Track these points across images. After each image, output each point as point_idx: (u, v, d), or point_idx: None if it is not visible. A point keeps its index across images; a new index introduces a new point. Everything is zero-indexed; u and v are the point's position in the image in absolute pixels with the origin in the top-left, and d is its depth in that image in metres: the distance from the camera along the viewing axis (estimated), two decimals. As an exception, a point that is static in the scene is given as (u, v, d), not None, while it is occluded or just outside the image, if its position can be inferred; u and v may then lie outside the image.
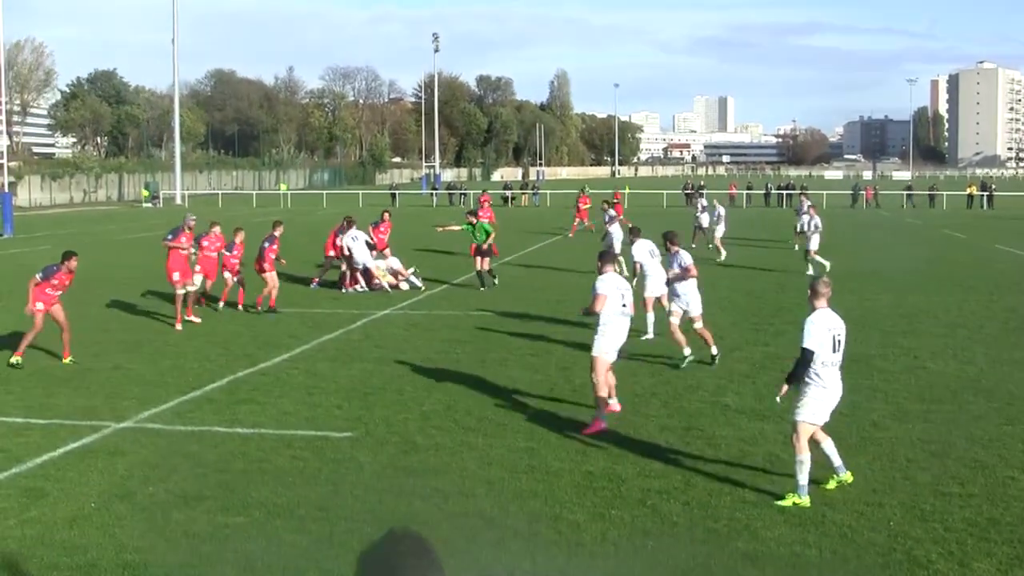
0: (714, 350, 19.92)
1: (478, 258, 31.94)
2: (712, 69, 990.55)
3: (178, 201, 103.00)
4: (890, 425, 15.15)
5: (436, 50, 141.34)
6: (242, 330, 24.24)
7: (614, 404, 15.07)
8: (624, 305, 15.06)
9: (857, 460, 13.33)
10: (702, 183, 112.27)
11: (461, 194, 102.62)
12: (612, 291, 14.94)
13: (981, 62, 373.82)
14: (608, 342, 15.03)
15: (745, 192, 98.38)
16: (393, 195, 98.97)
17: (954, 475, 12.76)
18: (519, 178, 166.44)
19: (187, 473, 13.03)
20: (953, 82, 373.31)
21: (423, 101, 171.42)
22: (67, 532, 10.95)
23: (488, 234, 31.95)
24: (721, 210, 45.43)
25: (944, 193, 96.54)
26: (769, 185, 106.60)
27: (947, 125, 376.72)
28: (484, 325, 24.67)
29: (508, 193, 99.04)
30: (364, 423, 15.49)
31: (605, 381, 14.94)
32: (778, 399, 12.45)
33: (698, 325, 20.13)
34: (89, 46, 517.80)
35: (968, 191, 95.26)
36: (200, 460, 13.58)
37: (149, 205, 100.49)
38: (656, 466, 13.24)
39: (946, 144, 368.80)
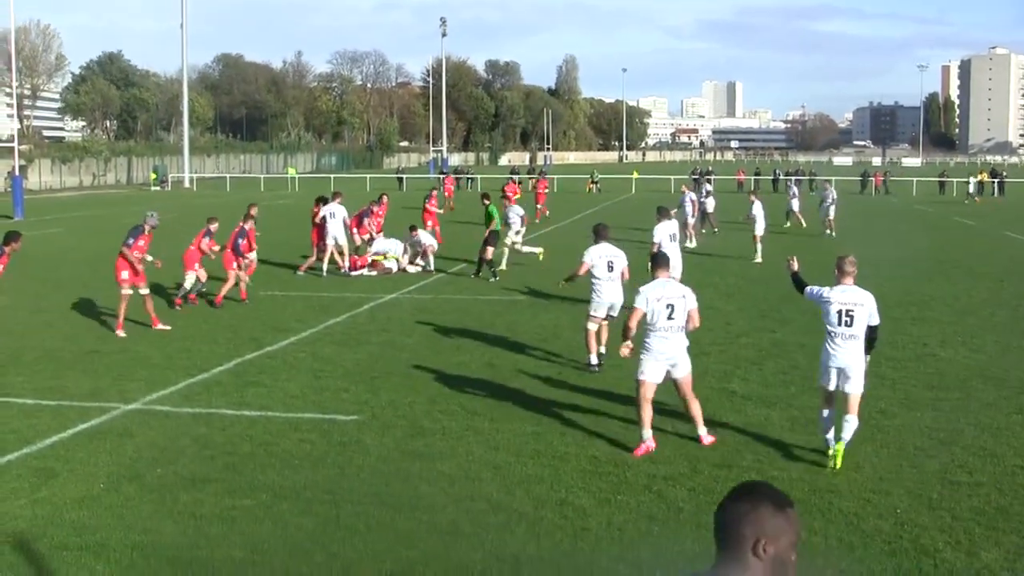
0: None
1: (483, 245, 31.24)
2: (720, 54, 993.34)
3: (186, 184, 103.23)
4: (898, 413, 15.14)
5: (444, 35, 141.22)
6: (249, 313, 24.26)
7: (649, 441, 13.32)
8: (671, 318, 13.33)
9: (864, 448, 13.33)
10: (710, 168, 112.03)
11: (468, 178, 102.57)
12: (649, 301, 13.32)
13: (993, 47, 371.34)
14: (651, 361, 13.37)
15: (753, 178, 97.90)
16: (400, 179, 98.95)
17: (962, 464, 12.74)
18: (526, 162, 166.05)
19: (195, 455, 13.07)
20: (965, 68, 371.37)
21: (431, 85, 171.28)
22: (76, 512, 11.00)
23: (491, 219, 31.39)
24: (692, 196, 44.21)
25: (954, 180, 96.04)
26: (777, 171, 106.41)
27: (958, 111, 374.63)
28: (491, 309, 24.68)
29: (515, 178, 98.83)
30: (371, 407, 15.51)
31: (648, 407, 13.28)
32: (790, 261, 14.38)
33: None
34: (97, 31, 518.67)
35: (979, 178, 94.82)
36: (208, 442, 13.63)
37: (157, 188, 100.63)
38: (662, 452, 13.21)
39: (957, 130, 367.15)
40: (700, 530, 10.54)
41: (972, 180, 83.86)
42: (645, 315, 13.30)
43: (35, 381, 17.24)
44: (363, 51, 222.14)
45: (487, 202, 32.55)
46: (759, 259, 35.70)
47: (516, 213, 33.84)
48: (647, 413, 13.26)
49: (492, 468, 12.52)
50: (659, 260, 14.27)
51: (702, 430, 13.60)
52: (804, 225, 50.32)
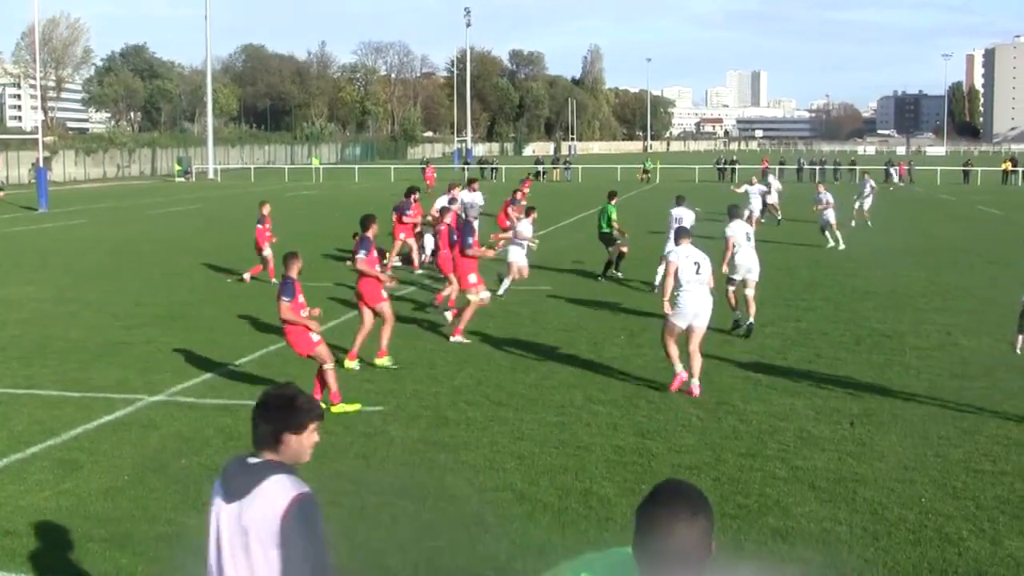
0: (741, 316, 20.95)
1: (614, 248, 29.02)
2: (746, 43, 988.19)
3: (211, 176, 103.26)
4: (922, 402, 15.09)
5: (468, 24, 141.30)
6: (273, 304, 24.21)
7: (681, 374, 15.76)
8: (698, 274, 15.68)
9: (888, 437, 13.33)
10: (734, 158, 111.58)
11: (492, 168, 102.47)
12: (682, 260, 15.75)
13: (1018, 36, 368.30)
14: (677, 310, 15.69)
15: (777, 167, 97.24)
16: (424, 169, 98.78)
17: (986, 452, 12.71)
18: (551, 153, 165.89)
19: (219, 446, 13.07)
20: (989, 57, 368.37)
21: (455, 75, 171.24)
22: (101, 503, 11.04)
23: (610, 219, 28.82)
24: (760, 188, 44.25)
25: (979, 169, 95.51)
26: (801, 160, 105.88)
27: (982, 100, 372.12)
28: (516, 299, 24.62)
29: (540, 168, 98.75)
30: (395, 397, 15.55)
31: (670, 344, 15.78)
32: (1017, 350, 14.17)
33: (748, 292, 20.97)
34: (120, 20, 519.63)
35: (1003, 167, 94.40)
36: (232, 433, 13.63)
37: (182, 180, 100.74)
38: (687, 441, 13.25)
39: (981, 119, 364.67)
40: (725, 519, 10.53)
41: (889, 168, 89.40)
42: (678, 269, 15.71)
43: (60, 372, 17.30)
44: (387, 41, 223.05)
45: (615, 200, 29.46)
46: (842, 245, 35.92)
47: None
48: (673, 352, 15.77)
49: (516, 458, 12.53)
50: (680, 233, 16.83)
51: (695, 381, 15.65)
52: (779, 217, 49.18)
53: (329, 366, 15.00)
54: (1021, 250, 36.07)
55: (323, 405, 14.66)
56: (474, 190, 34.82)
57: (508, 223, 29.11)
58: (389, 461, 12.54)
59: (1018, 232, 43.50)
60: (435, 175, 75.92)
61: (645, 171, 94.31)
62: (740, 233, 21.20)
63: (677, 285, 15.70)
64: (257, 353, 18.77)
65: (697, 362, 15.71)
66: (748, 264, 20.98)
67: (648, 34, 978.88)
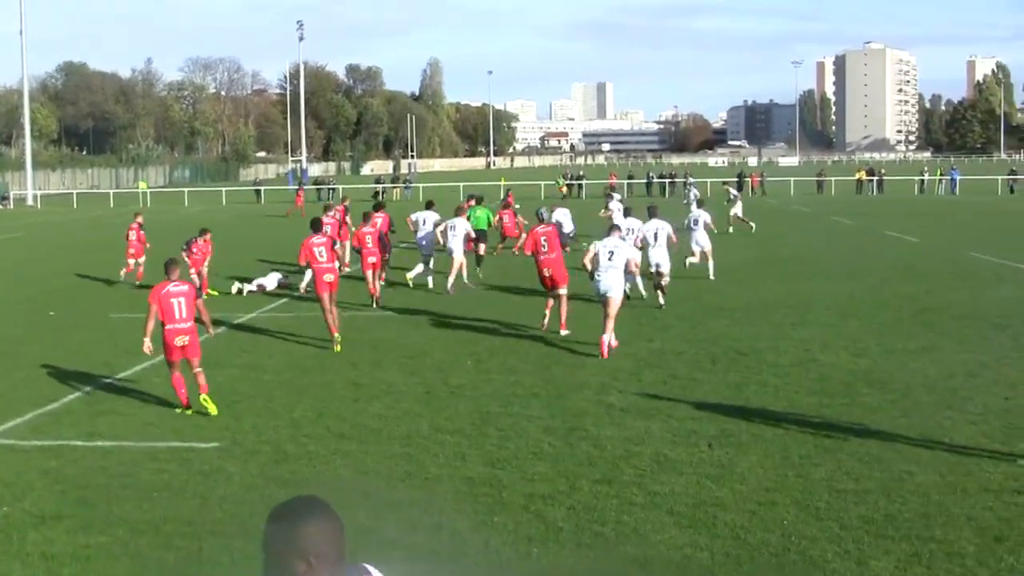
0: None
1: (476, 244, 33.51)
2: (590, 54, 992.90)
3: (30, 202, 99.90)
4: (782, 421, 14.96)
5: (301, 38, 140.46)
6: (100, 337, 23.38)
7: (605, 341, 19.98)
8: (610, 260, 20.25)
9: (748, 458, 13.21)
10: (581, 172, 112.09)
11: (329, 189, 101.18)
12: (600, 248, 20.51)
13: (868, 42, 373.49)
14: (595, 284, 20.53)
15: (626, 182, 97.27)
16: (257, 191, 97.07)
17: (849, 471, 12.60)
18: (390, 171, 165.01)
19: (44, 491, 12.49)
20: (840, 64, 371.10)
21: (288, 92, 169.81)
22: (-85, 558, 10.36)
23: (488, 223, 35.10)
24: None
25: (832, 179, 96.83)
26: (651, 174, 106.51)
27: (834, 108, 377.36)
28: (355, 327, 23.86)
29: (379, 187, 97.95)
30: (232, 432, 14.99)
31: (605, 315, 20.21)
32: None
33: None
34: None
35: (857, 176, 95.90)
36: (58, 477, 13.03)
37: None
38: (539, 469, 12.96)
39: (834, 128, 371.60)
40: (581, 549, 10.44)
41: (741, 180, 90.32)
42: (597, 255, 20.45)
43: None
44: (216, 57, 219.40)
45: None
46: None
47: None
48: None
49: (362, 494, 12.02)
50: (612, 228, 22.05)
51: (608, 335, 20.08)
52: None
53: (200, 368, 16.40)
54: (877, 262, 36.43)
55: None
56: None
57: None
58: (227, 500, 12.06)
59: (874, 243, 44.02)
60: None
61: (567, 184, 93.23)
62: (649, 233, 27.05)
63: (596, 267, 20.37)
64: (84, 390, 17.96)
65: (610, 324, 20.08)
66: (656, 259, 26.44)
67: (489, 46, 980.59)
